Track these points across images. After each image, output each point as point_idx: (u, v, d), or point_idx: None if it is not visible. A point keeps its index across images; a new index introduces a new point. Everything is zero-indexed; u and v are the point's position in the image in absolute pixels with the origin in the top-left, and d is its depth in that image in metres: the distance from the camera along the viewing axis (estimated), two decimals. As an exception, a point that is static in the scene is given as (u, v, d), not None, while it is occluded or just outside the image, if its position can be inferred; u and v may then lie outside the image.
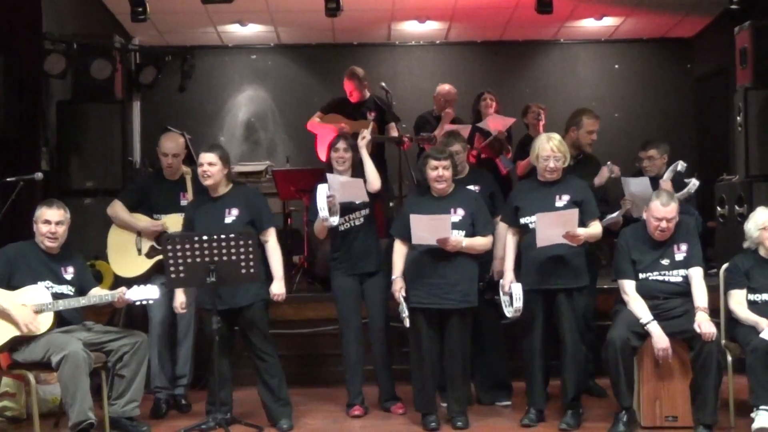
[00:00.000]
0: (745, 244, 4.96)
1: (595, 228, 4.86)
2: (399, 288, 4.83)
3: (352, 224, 5.13)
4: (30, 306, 4.55)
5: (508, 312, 4.84)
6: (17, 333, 4.51)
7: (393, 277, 4.88)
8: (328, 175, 5.03)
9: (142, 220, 5.25)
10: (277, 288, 4.94)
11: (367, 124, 6.66)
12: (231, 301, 4.80)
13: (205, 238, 4.50)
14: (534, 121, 6.86)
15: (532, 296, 4.84)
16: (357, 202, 5.07)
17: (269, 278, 4.96)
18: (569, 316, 4.79)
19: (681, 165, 5.31)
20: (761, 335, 4.56)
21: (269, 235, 4.98)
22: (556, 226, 4.67)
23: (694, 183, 5.23)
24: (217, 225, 4.79)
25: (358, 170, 5.17)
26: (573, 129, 5.66)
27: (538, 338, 4.87)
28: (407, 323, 4.81)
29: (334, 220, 4.98)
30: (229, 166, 4.97)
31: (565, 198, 4.84)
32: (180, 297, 4.86)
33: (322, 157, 6.74)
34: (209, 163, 4.87)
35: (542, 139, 4.90)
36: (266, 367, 4.92)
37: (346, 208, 5.09)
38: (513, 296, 4.76)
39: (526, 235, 4.88)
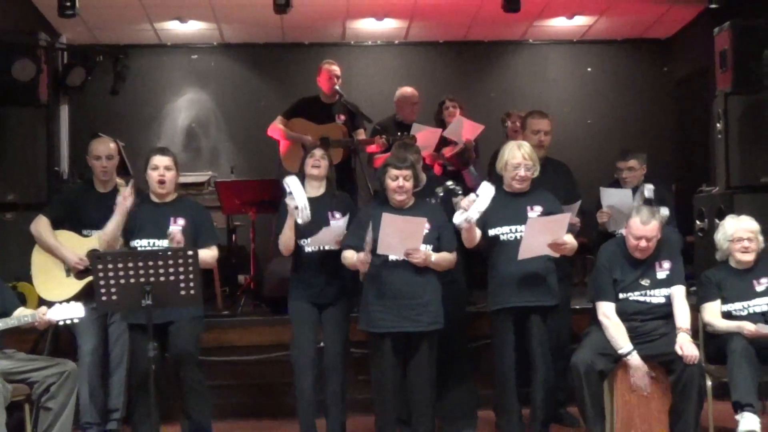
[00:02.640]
0: (717, 256, 5.10)
1: (572, 240, 4.93)
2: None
3: (323, 247, 5.07)
4: None
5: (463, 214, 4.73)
6: None
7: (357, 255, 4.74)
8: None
9: (66, 247, 5.19)
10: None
11: (335, 128, 6.70)
12: (160, 316, 4.69)
13: (140, 255, 4.47)
14: (513, 133, 6.90)
15: (503, 317, 4.89)
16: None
17: (207, 295, 4.95)
18: (542, 337, 4.86)
19: (648, 190, 5.34)
20: (754, 329, 4.68)
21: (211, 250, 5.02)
22: (545, 232, 4.73)
23: (664, 211, 5.27)
24: (160, 232, 4.82)
25: (330, 183, 5.22)
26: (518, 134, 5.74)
27: (512, 365, 4.91)
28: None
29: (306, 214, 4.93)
30: (179, 171, 5.06)
31: (537, 209, 4.91)
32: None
33: (288, 165, 6.71)
34: (166, 167, 4.94)
35: (512, 147, 4.98)
36: (195, 398, 4.89)
37: (316, 230, 5.03)
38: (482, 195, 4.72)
39: (494, 249, 4.92)
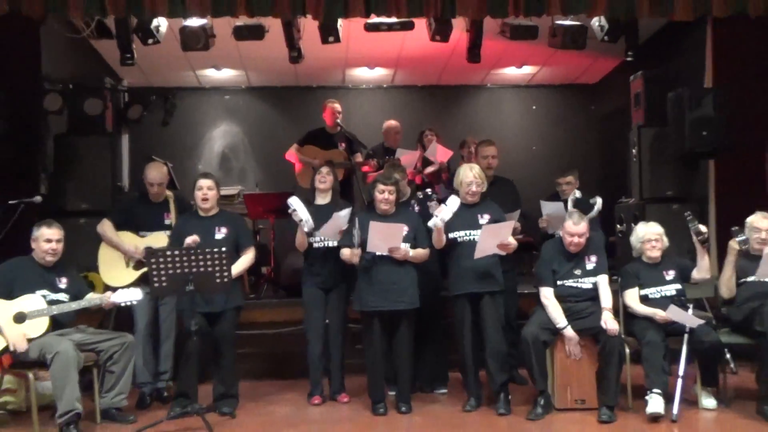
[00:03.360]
0: (633, 253, 5.11)
1: (514, 241, 4.93)
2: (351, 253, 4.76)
3: (326, 244, 5.07)
4: (27, 313, 4.47)
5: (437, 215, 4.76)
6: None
7: (351, 250, 4.77)
8: (340, 215, 4.90)
9: (126, 243, 5.15)
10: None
11: (337, 153, 6.69)
12: (208, 306, 4.75)
13: (184, 251, 4.45)
14: (468, 153, 6.91)
15: (461, 301, 4.88)
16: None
17: (244, 289, 4.91)
18: (493, 314, 4.84)
19: (577, 194, 5.44)
20: (664, 315, 4.66)
21: (249, 250, 4.98)
22: (495, 237, 4.74)
23: (598, 201, 5.33)
24: (208, 240, 4.76)
25: (335, 193, 5.23)
26: (472, 158, 5.76)
27: (470, 336, 4.90)
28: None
29: (310, 224, 4.93)
30: (220, 190, 5.02)
31: (486, 217, 4.91)
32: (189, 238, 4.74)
33: (301, 182, 6.70)
34: (208, 188, 4.90)
35: (465, 169, 5.00)
36: (225, 368, 4.86)
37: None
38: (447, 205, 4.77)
39: (453, 248, 4.91)
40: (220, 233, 4.87)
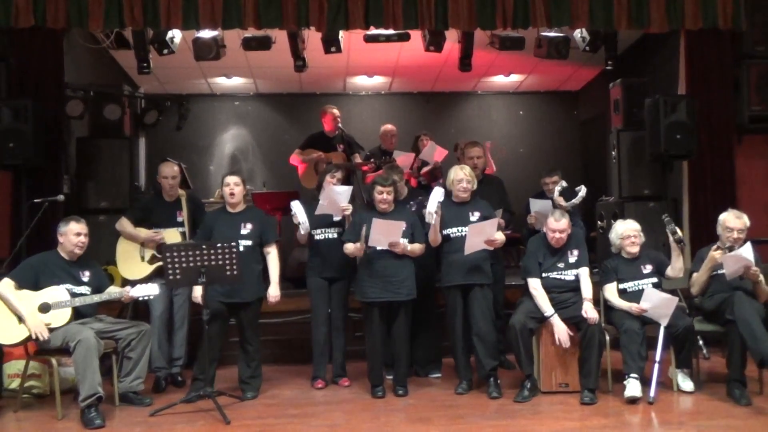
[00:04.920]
0: (612, 249, 5.09)
1: (502, 236, 4.92)
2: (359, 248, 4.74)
3: (327, 236, 5.07)
4: (52, 304, 4.45)
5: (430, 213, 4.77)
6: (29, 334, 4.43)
7: (354, 245, 4.76)
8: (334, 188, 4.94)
9: (143, 233, 5.14)
10: (273, 291, 4.86)
11: (338, 155, 6.67)
12: (235, 297, 4.73)
13: (196, 246, 4.43)
14: (461, 155, 6.87)
15: (452, 292, 4.87)
16: (335, 219, 5.03)
17: (267, 281, 4.87)
18: (482, 305, 4.83)
19: (563, 184, 5.38)
20: (640, 305, 4.65)
21: (272, 247, 4.93)
22: (481, 234, 4.73)
23: (582, 189, 5.28)
24: (235, 235, 4.72)
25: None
26: (462, 159, 5.75)
27: (461, 325, 4.89)
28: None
29: (305, 227, 4.99)
30: (246, 187, 4.97)
31: (477, 214, 4.90)
32: (197, 291, 4.67)
33: (305, 184, 6.68)
34: (235, 183, 4.85)
35: (456, 169, 4.99)
36: (251, 353, 4.86)
37: (325, 222, 5.05)
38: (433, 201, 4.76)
39: (446, 243, 4.90)
40: (246, 228, 4.82)
